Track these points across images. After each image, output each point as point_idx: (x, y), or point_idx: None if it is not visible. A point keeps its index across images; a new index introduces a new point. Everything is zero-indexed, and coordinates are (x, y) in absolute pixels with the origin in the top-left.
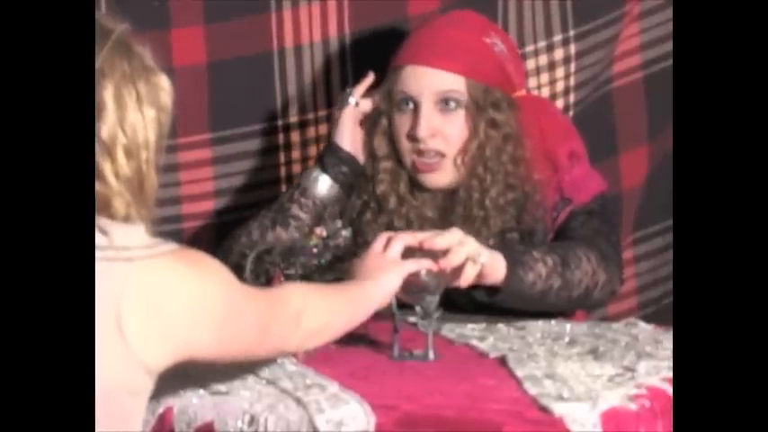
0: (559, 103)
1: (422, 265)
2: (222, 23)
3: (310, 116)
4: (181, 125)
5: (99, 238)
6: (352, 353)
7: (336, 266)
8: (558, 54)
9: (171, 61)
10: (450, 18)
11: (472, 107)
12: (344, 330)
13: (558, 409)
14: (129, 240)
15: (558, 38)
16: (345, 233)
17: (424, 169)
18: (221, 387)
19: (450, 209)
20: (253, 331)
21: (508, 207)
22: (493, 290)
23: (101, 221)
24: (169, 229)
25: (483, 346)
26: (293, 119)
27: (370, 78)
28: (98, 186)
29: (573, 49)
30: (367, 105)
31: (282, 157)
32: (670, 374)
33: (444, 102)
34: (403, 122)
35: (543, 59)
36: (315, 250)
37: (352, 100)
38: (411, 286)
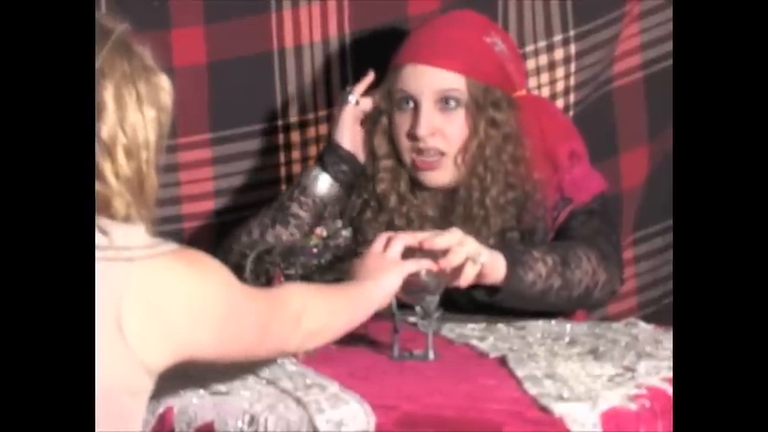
0: (559, 103)
1: (422, 266)
2: (222, 23)
3: (310, 116)
4: (181, 125)
5: (99, 238)
6: (352, 353)
7: (336, 266)
8: (559, 54)
9: (171, 61)
10: (450, 17)
11: (472, 106)
12: (344, 331)
13: (559, 409)
14: (129, 240)
15: (558, 38)
16: (345, 233)
17: (423, 167)
18: (221, 387)
19: (451, 208)
20: (253, 331)
21: (508, 206)
22: (493, 289)
23: (101, 221)
24: (169, 229)
25: (483, 346)
26: (293, 119)
27: (370, 77)
28: (98, 186)
29: (573, 48)
30: (367, 104)
31: (282, 157)
32: (670, 374)
33: (444, 101)
34: (403, 121)
35: (543, 59)
36: (315, 250)
37: (352, 98)
38: (411, 286)
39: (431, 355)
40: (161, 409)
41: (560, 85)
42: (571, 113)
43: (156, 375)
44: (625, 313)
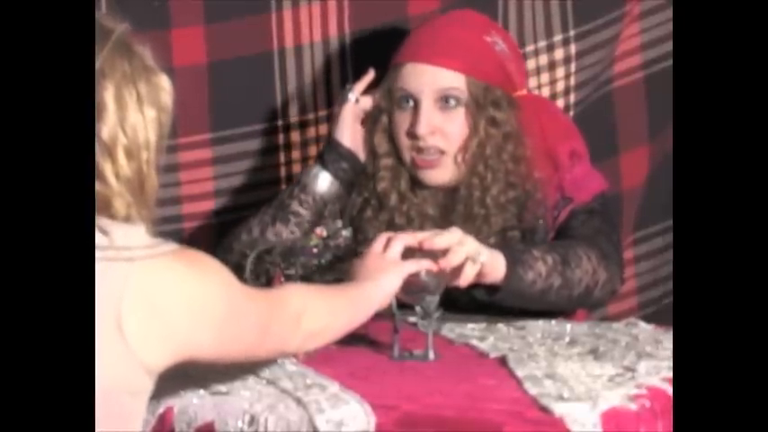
0: (560, 103)
1: (422, 266)
2: (222, 23)
3: (310, 116)
4: (181, 125)
5: (99, 238)
6: (352, 353)
7: (337, 266)
8: (559, 54)
9: (171, 61)
10: (450, 17)
11: (472, 105)
12: (345, 331)
13: (559, 409)
14: (129, 240)
15: (558, 38)
16: (346, 233)
17: (423, 165)
18: (221, 387)
19: (451, 207)
20: (253, 332)
21: (509, 205)
22: (493, 288)
23: (101, 221)
24: (169, 229)
25: (483, 345)
26: (293, 119)
27: (370, 75)
28: (99, 187)
29: (573, 48)
30: (367, 102)
31: (282, 157)
32: (670, 374)
33: (444, 99)
34: (403, 120)
35: (543, 59)
36: (315, 250)
37: (352, 96)
38: (411, 286)
39: (431, 355)
40: (161, 409)
41: (560, 85)
42: (571, 113)
43: (156, 375)
44: (625, 313)
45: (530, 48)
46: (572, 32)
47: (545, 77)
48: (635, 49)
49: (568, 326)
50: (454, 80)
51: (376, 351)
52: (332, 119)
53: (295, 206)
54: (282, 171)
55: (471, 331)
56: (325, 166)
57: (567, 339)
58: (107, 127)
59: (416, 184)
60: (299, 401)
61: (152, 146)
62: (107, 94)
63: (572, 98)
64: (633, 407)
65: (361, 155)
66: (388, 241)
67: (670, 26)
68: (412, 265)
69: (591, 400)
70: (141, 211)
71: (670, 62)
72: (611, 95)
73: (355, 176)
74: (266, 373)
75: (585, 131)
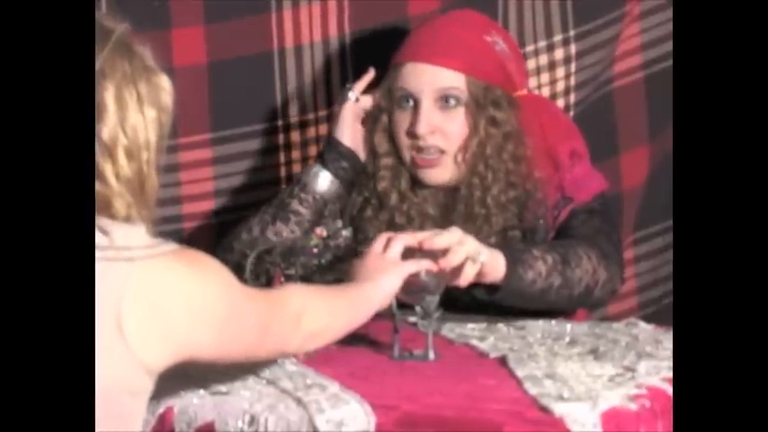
0: (560, 103)
1: (421, 266)
2: (222, 23)
3: (310, 116)
4: (181, 125)
5: (100, 238)
6: (352, 353)
7: (337, 267)
8: (559, 54)
9: (171, 61)
10: (451, 17)
11: (472, 105)
12: (345, 332)
13: (559, 409)
14: (129, 240)
15: (558, 38)
16: (346, 233)
17: (423, 165)
18: (222, 387)
19: (452, 206)
20: (253, 332)
21: (510, 205)
22: (493, 288)
23: (101, 221)
24: (169, 228)
25: (483, 345)
26: (293, 119)
27: (370, 74)
28: (99, 187)
29: (573, 48)
30: (367, 102)
31: (282, 157)
32: (670, 374)
33: (444, 99)
34: (403, 119)
35: (543, 59)
36: (315, 250)
37: (352, 95)
38: (411, 286)
39: (431, 355)
40: (161, 410)
41: (561, 85)
42: (571, 113)
43: (156, 375)
44: (625, 313)
45: (530, 48)
46: (572, 32)
47: (545, 77)
48: (635, 49)
49: (568, 326)
50: (454, 80)
51: (376, 351)
52: (332, 118)
53: (295, 205)
54: (282, 171)
55: (471, 331)
56: (325, 165)
57: (568, 339)
58: (107, 127)
59: (417, 183)
60: (299, 401)
61: (152, 146)
62: (107, 95)
63: (572, 98)
64: (633, 407)
65: (362, 154)
66: (388, 241)
67: (670, 26)
68: (412, 266)
69: (591, 400)
70: (141, 211)
71: (670, 62)
72: (612, 95)
73: (355, 175)
74: (266, 373)
75: (586, 131)
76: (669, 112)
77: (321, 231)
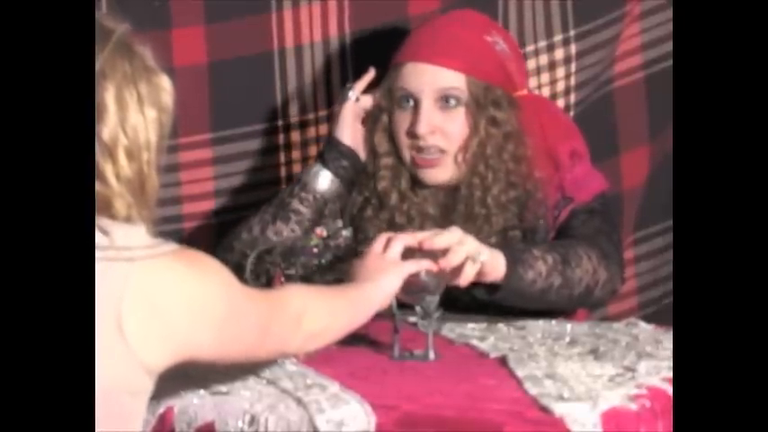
0: (560, 103)
1: (421, 266)
2: (223, 23)
3: (311, 116)
4: (181, 125)
5: (100, 238)
6: (352, 353)
7: (337, 267)
8: (559, 54)
9: (171, 61)
10: (451, 17)
11: (472, 105)
12: (345, 332)
13: (559, 409)
14: (129, 240)
15: (558, 38)
16: (346, 233)
17: (423, 164)
18: (222, 387)
19: (452, 206)
20: (253, 332)
21: (510, 205)
22: (493, 288)
23: (102, 221)
24: (169, 228)
25: (483, 345)
26: (293, 119)
27: (370, 74)
28: (99, 187)
29: (573, 48)
30: (367, 101)
31: (283, 157)
32: (670, 374)
33: (444, 99)
34: (403, 119)
35: (544, 59)
36: (315, 250)
37: (352, 94)
38: (411, 286)
39: (431, 355)
40: (161, 410)
41: (561, 85)
42: (572, 113)
43: (156, 375)
44: (625, 313)
45: (530, 48)
46: (572, 32)
47: (545, 77)
48: (635, 49)
49: (569, 326)
50: (454, 80)
51: (376, 351)
52: (332, 117)
53: (295, 204)
54: (282, 171)
55: (471, 331)
56: (325, 164)
57: (568, 339)
58: (108, 128)
59: (417, 183)
60: (299, 401)
61: (153, 146)
62: (108, 95)
63: (572, 98)
64: (633, 407)
65: (362, 153)
66: (388, 241)
67: (670, 26)
68: (412, 266)
69: (591, 400)
70: (142, 211)
71: (670, 62)
72: (612, 95)
73: (356, 175)
74: (266, 373)
75: (586, 131)
76: (669, 112)
77: (321, 231)
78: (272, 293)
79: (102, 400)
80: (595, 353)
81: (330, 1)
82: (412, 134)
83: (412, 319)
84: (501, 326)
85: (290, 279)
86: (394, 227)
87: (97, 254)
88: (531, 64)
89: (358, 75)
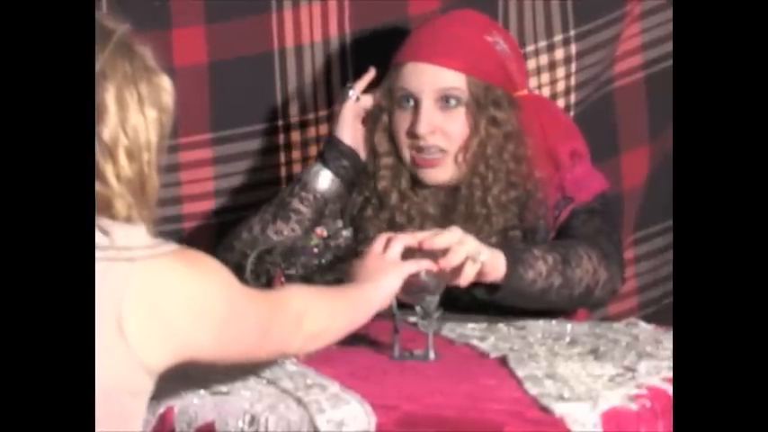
0: (560, 103)
1: (421, 266)
2: (223, 23)
3: (311, 116)
4: (182, 125)
5: (100, 239)
6: (352, 353)
7: (337, 266)
8: (559, 54)
9: (172, 61)
10: (451, 16)
11: (473, 105)
12: (345, 333)
13: (559, 409)
14: (130, 240)
15: (558, 38)
16: (346, 233)
17: (423, 164)
18: (222, 387)
19: (452, 206)
20: (253, 333)
21: (510, 205)
22: (493, 287)
23: (102, 222)
24: (169, 228)
25: (484, 345)
26: (294, 119)
27: (371, 74)
28: (99, 188)
29: (574, 48)
30: (368, 101)
31: (283, 157)
32: (670, 374)
33: (445, 99)
34: (403, 119)
35: (544, 59)
36: (316, 250)
37: (352, 94)
38: (411, 287)
39: (431, 355)
40: (162, 410)
41: (561, 85)
42: (572, 113)
43: (156, 375)
44: (626, 313)
45: (530, 48)
46: (572, 32)
47: (545, 77)
48: (636, 49)
49: (569, 326)
50: (455, 80)
51: (376, 351)
52: (332, 117)
53: (296, 204)
54: (283, 171)
55: (472, 331)
56: (325, 163)
57: (568, 339)
58: (108, 128)
59: (417, 183)
60: (299, 401)
61: (153, 147)
62: (108, 96)
63: (572, 98)
64: (633, 407)
65: (362, 153)
66: (388, 242)
67: (670, 26)
68: (412, 266)
69: (591, 400)
70: (142, 211)
71: (670, 62)
72: (612, 95)
73: (356, 174)
74: (267, 373)
75: (586, 131)
76: (669, 112)
77: (321, 231)
78: (272, 294)
79: (102, 400)
80: (596, 353)
81: (330, 1)
82: (412, 134)
83: (412, 319)
84: (501, 326)
85: (290, 279)
86: (394, 227)
87: (97, 254)
88: (532, 64)
89: (358, 75)
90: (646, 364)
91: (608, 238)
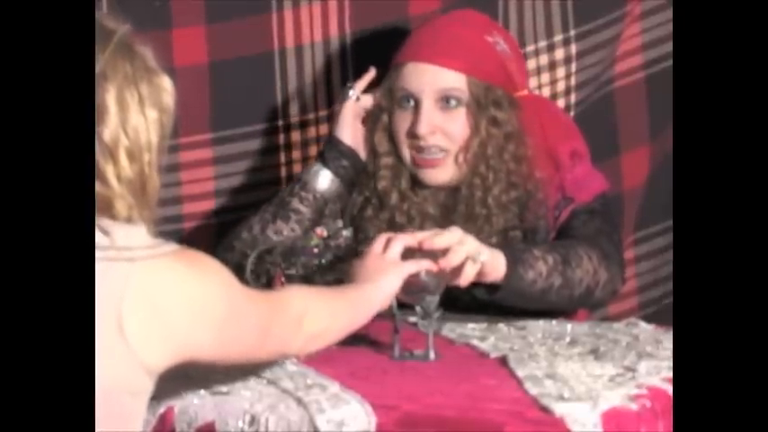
0: (560, 103)
1: (421, 266)
2: (223, 23)
3: (311, 116)
4: (182, 125)
5: (100, 239)
6: (352, 353)
7: (337, 267)
8: (559, 54)
9: (172, 61)
10: (452, 17)
11: (473, 105)
12: (345, 334)
13: (559, 409)
14: (130, 241)
15: (558, 38)
16: (346, 233)
17: (423, 165)
18: (222, 387)
19: (453, 207)
20: (254, 333)
21: (511, 205)
22: (493, 288)
23: (102, 222)
24: (169, 228)
25: (484, 345)
26: (294, 119)
27: (371, 73)
28: (100, 188)
29: (574, 48)
30: (368, 101)
31: (283, 158)
32: (670, 374)
33: (445, 100)
34: (403, 119)
35: (544, 59)
36: (316, 250)
37: (352, 93)
38: (411, 287)
39: (431, 355)
40: (162, 410)
41: (561, 85)
42: (572, 113)
43: (156, 376)
44: (626, 313)
45: (530, 48)
46: (572, 32)
47: (545, 77)
48: (636, 49)
49: (569, 326)
50: (455, 80)
51: (376, 351)
52: (332, 117)
53: (295, 203)
54: (283, 171)
55: (472, 331)
56: (325, 163)
57: (568, 339)
58: (109, 129)
59: (417, 183)
60: (299, 401)
61: (154, 147)
62: (109, 96)
63: (573, 98)
64: (634, 407)
65: (362, 153)
66: (388, 242)
67: (670, 26)
68: (412, 266)
69: (591, 400)
70: (143, 212)
71: (670, 62)
72: (612, 95)
73: (356, 174)
74: (267, 373)
75: (586, 131)
76: (669, 112)
77: (322, 231)
78: (272, 295)
79: (102, 400)
80: (596, 353)
81: (331, 1)
82: (412, 134)
83: (412, 319)
84: (501, 326)
85: (290, 279)
86: (394, 227)
87: (98, 254)
88: (532, 64)
89: (358, 75)
90: (646, 364)
91: (608, 238)
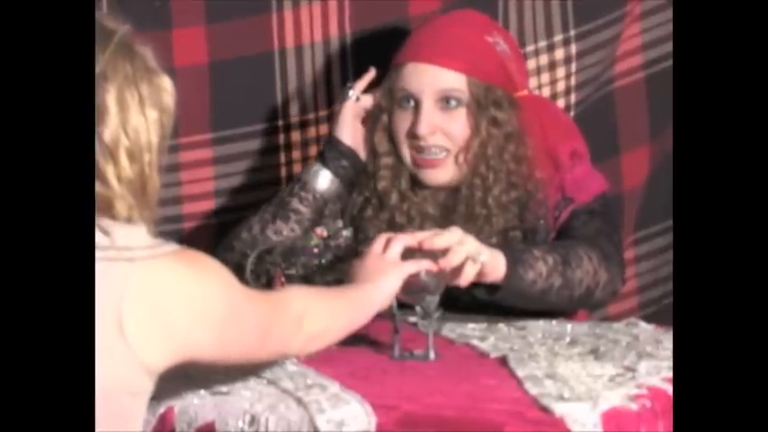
0: (560, 103)
1: (421, 266)
2: (223, 23)
3: (311, 116)
4: (182, 125)
5: (101, 239)
6: (352, 353)
7: (337, 267)
8: (559, 54)
9: (172, 61)
10: (452, 17)
11: (473, 105)
12: (345, 334)
13: (559, 409)
14: (130, 241)
15: (558, 38)
16: (346, 233)
17: (424, 165)
18: (222, 387)
19: (453, 207)
20: (254, 334)
21: (511, 205)
22: (493, 288)
23: (102, 222)
24: (169, 228)
25: (484, 345)
26: (294, 119)
27: (371, 74)
28: (100, 189)
29: (574, 48)
30: (368, 101)
31: (283, 158)
32: (670, 374)
33: (445, 100)
34: (403, 120)
35: (544, 59)
36: (316, 250)
37: (352, 93)
38: (411, 287)
39: (431, 355)
40: (162, 410)
41: (561, 85)
42: (572, 113)
43: (156, 376)
44: (626, 313)
45: (530, 48)
46: (572, 32)
47: (545, 77)
48: (636, 49)
49: (569, 326)
50: (455, 80)
51: (376, 351)
52: (332, 117)
53: (295, 204)
54: (283, 171)
55: (472, 331)
56: (325, 163)
57: (568, 339)
58: (109, 129)
59: (417, 183)
60: (299, 401)
61: (154, 147)
62: (109, 97)
63: (573, 98)
64: (634, 407)
65: (362, 153)
66: (388, 242)
67: (670, 26)
68: (412, 266)
69: (591, 400)
70: (143, 212)
71: (670, 62)
72: (612, 95)
73: (356, 174)
74: (267, 373)
75: (586, 131)
76: (669, 112)
77: (321, 231)
78: (272, 295)
79: (102, 400)
80: (596, 353)
81: (330, 1)
82: (412, 134)
83: (412, 319)
84: (501, 326)
85: (290, 279)
86: (394, 227)
87: (98, 254)
88: (532, 64)
89: (358, 75)
90: (646, 364)
91: (608, 238)
